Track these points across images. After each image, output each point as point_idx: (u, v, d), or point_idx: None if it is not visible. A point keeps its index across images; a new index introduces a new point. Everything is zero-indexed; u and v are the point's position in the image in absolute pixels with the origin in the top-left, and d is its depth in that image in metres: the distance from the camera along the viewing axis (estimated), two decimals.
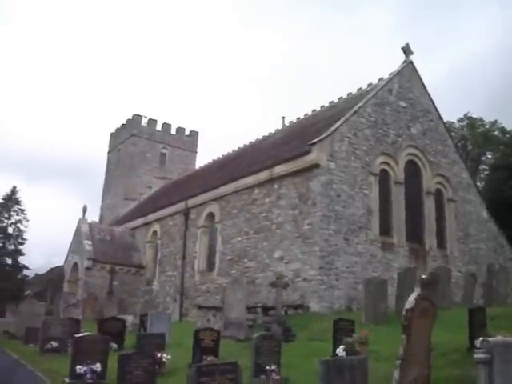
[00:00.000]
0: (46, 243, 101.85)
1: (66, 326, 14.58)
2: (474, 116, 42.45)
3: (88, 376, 9.59)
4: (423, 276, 8.50)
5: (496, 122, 41.82)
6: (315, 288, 18.19)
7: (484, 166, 42.57)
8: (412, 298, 7.55)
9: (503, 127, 41.23)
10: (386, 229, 21.10)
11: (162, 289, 28.59)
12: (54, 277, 64.80)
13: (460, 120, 42.50)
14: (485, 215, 26.01)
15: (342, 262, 19.01)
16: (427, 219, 22.98)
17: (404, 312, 7.46)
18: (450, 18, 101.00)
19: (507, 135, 40.50)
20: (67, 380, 9.69)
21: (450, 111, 56.53)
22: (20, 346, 16.19)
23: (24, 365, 12.48)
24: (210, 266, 25.15)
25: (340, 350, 10.77)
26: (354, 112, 21.18)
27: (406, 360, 7.35)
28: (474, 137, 41.69)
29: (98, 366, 9.74)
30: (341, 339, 11.06)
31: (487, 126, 41.93)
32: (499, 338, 6.02)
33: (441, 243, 23.33)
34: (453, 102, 69.36)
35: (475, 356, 4.96)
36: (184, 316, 25.35)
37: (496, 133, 41.68)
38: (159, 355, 10.09)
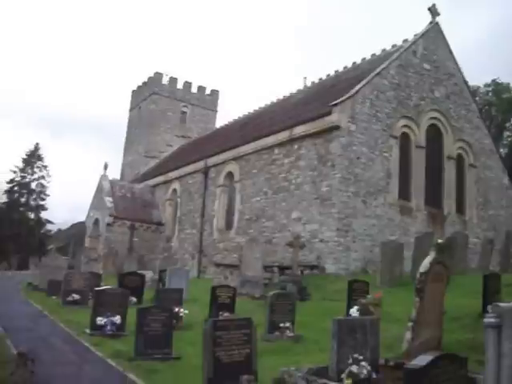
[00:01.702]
0: (70, 199, 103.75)
1: (87, 280, 14.95)
2: (502, 81, 41.46)
3: (108, 327, 9.91)
4: (439, 240, 8.55)
5: None
6: (332, 249, 18.33)
7: (508, 133, 41.80)
8: (427, 262, 7.61)
9: None
10: (404, 193, 21.04)
11: (181, 246, 29.01)
12: (76, 232, 66.07)
13: (486, 85, 41.53)
14: (506, 182, 25.76)
15: (360, 224, 19.07)
16: (447, 184, 22.83)
17: (418, 275, 7.54)
18: None
19: None
20: (88, 331, 10.02)
21: (478, 75, 55.24)
22: (43, 298, 16.63)
23: (47, 315, 12.88)
24: (229, 224, 25.40)
25: (354, 311, 10.92)
26: (377, 73, 20.85)
27: (418, 322, 7.47)
28: (500, 102, 40.84)
29: (117, 319, 10.04)
30: (355, 300, 11.22)
31: None
32: (511, 304, 6.08)
33: (460, 208, 23.24)
34: (482, 65, 67.68)
35: (485, 320, 5.02)
36: (202, 273, 25.77)
37: None
38: (176, 310, 10.33)
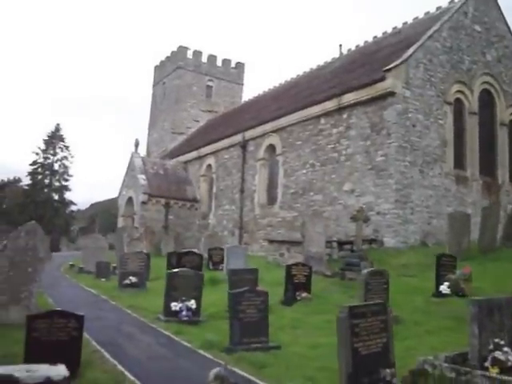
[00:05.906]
0: (86, 178, 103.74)
1: (143, 261, 14.31)
2: None
3: (183, 313, 9.24)
4: None
5: None
6: (390, 222, 17.44)
7: None
8: None
9: None
10: (460, 161, 20.04)
11: (219, 223, 28.28)
12: (98, 212, 65.93)
13: None
14: None
15: (417, 195, 18.12)
16: (500, 152, 21.74)
17: None
18: None
19: None
20: (162, 317, 9.35)
21: None
22: (93, 281, 16.07)
23: (107, 300, 12.25)
24: (271, 199, 24.51)
25: (444, 287, 10.23)
26: (430, 36, 19.61)
27: None
28: None
29: (192, 303, 9.37)
30: (443, 275, 10.47)
31: None
32: None
33: None
34: None
35: None
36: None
37: None
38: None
